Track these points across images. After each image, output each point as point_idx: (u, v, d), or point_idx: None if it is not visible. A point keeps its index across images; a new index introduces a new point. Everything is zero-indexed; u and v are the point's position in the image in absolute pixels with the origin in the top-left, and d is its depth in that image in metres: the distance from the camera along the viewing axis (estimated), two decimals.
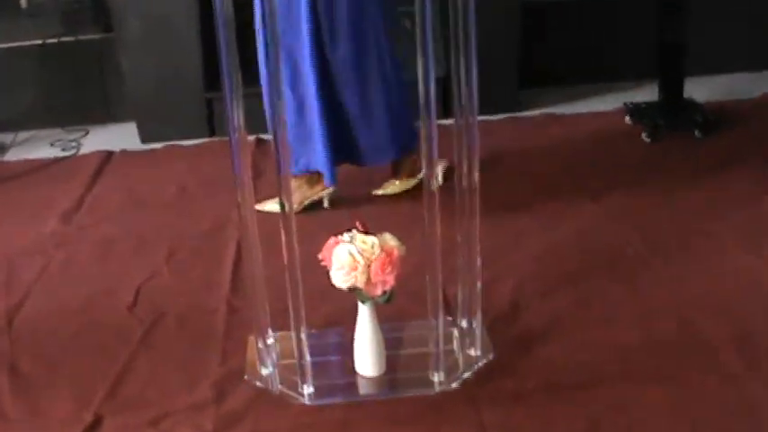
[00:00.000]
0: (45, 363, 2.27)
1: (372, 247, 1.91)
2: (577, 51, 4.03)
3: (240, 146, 1.96)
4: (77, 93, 3.95)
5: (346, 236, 1.95)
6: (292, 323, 1.98)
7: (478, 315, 2.16)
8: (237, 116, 1.93)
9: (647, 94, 3.69)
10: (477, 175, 2.03)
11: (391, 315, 2.15)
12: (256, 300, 2.10)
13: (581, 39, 4.02)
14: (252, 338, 2.19)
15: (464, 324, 2.19)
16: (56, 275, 2.72)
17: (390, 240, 1.95)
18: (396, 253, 1.93)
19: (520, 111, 3.82)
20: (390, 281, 1.92)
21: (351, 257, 1.89)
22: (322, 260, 1.97)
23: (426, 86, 1.83)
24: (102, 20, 3.88)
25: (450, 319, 2.21)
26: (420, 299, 2.02)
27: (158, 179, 3.40)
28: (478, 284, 2.13)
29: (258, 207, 2.30)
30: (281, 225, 1.90)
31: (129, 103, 3.83)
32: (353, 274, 1.90)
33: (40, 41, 3.89)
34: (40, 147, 3.79)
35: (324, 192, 2.98)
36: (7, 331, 2.42)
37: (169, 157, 3.62)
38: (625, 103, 3.69)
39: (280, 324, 2.13)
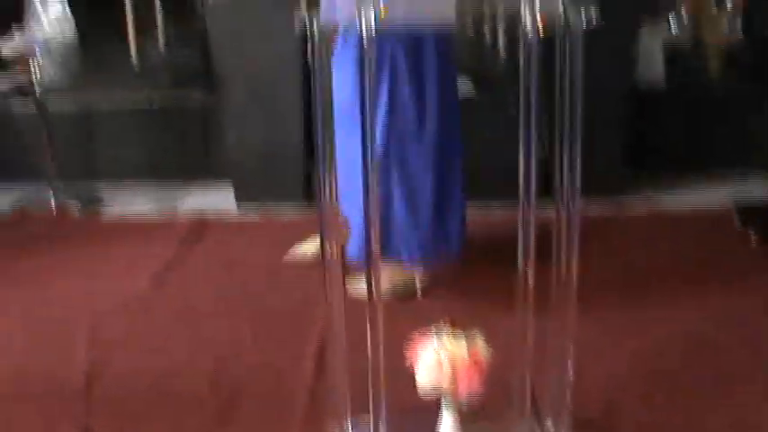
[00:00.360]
0: (119, 427, 2.24)
1: (460, 349, 1.82)
2: (684, 138, 3.92)
3: (330, 225, 1.91)
4: (178, 151, 4.03)
5: (434, 332, 1.87)
6: (373, 417, 1.89)
7: (567, 418, 2.03)
8: (329, 193, 1.88)
9: (758, 188, 3.51)
10: (575, 267, 1.92)
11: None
12: (336, 385, 2.03)
13: (688, 126, 3.91)
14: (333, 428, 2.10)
15: (550, 425, 2.07)
16: (139, 338, 2.70)
17: (480, 344, 1.86)
18: (483, 360, 1.84)
19: (623, 195, 3.70)
20: (476, 388, 1.83)
21: (437, 359, 1.81)
22: (408, 357, 1.89)
23: (527, 171, 1.76)
24: (207, 82, 3.94)
25: (534, 416, 2.08)
26: (503, 390, 1.93)
27: (251, 248, 3.38)
28: (568, 383, 2.00)
29: (347, 282, 2.23)
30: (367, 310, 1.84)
31: (227, 164, 3.86)
32: (438, 376, 1.81)
33: (147, 102, 3.97)
34: (137, 202, 3.84)
35: (415, 279, 2.85)
36: (85, 391, 2.41)
37: (264, 227, 3.61)
38: (734, 201, 3.52)
39: (361, 405, 2.00)
